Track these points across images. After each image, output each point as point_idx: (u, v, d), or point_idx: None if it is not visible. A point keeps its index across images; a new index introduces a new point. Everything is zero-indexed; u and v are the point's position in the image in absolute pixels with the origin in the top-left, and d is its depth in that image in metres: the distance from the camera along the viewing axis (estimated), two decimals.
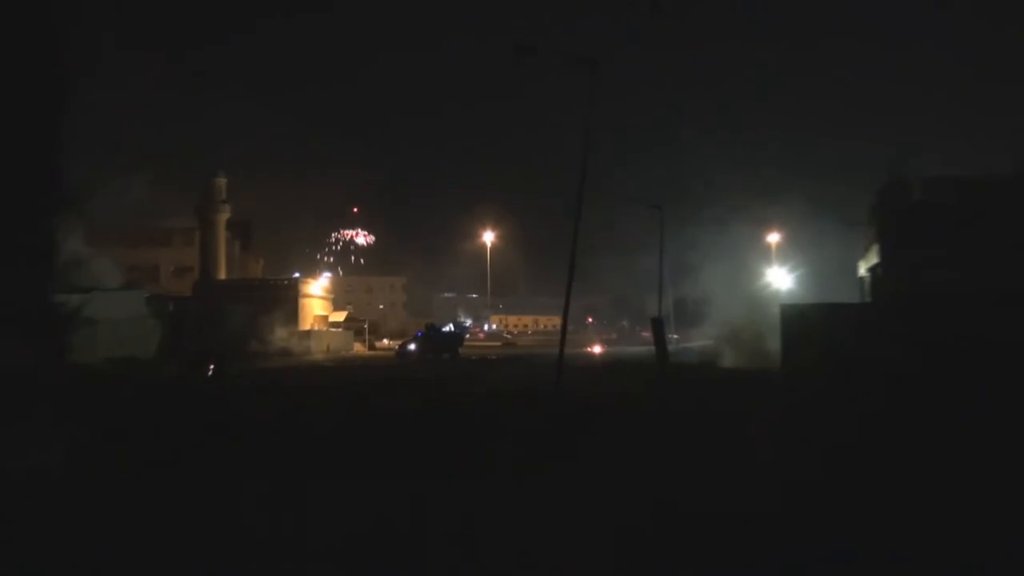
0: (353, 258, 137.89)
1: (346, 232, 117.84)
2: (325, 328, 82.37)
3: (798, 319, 26.67)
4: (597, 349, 69.95)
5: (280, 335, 72.41)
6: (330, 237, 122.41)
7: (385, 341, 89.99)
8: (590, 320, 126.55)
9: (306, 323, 79.73)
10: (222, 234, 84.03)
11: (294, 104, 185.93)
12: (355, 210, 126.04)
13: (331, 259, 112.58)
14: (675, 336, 64.31)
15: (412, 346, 57.45)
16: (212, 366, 36.61)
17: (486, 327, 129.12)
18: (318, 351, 73.03)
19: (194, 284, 79.43)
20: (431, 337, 58.24)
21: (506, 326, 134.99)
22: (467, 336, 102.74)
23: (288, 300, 77.76)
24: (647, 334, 47.24)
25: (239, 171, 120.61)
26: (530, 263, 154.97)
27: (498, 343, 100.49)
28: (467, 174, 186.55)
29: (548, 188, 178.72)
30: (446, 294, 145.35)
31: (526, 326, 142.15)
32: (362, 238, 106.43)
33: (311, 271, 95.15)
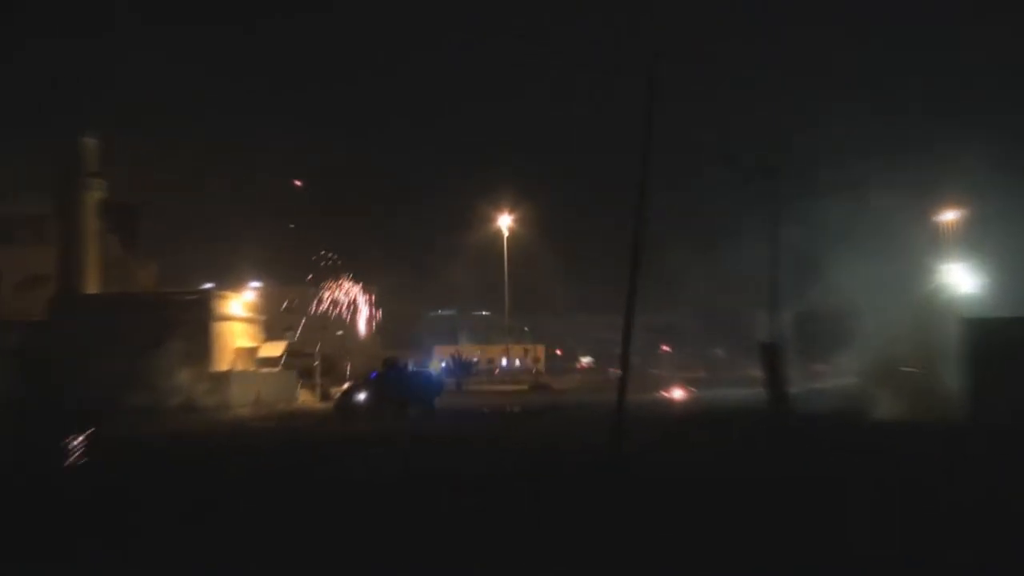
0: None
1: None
2: (252, 368, 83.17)
3: (996, 342, 25.95)
4: (678, 394, 70.37)
5: (182, 379, 73.17)
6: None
7: (346, 386, 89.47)
8: (665, 349, 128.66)
9: (223, 360, 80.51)
10: (92, 225, 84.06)
11: (220, 44, 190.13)
12: (297, 184, 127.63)
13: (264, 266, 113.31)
14: (817, 369, 64.39)
15: (361, 395, 57.56)
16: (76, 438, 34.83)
17: (504, 363, 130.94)
18: (241, 402, 73.37)
19: (50, 301, 79.86)
20: (389, 382, 57.98)
21: (535, 360, 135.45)
22: (470, 375, 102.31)
23: (195, 324, 78.37)
24: (754, 373, 47.61)
25: (123, 133, 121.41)
26: (568, 267, 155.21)
27: (523, 386, 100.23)
28: (475, 150, 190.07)
29: (591, 161, 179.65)
30: (441, 311, 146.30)
31: (562, 360, 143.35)
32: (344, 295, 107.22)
33: (231, 281, 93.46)
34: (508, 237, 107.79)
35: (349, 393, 58.68)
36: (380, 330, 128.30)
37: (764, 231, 45.86)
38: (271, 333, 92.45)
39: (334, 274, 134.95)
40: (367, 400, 56.47)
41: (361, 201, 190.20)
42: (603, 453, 26.40)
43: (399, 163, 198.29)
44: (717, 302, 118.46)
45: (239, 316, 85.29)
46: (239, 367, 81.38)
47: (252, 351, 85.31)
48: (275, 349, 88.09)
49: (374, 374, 60.83)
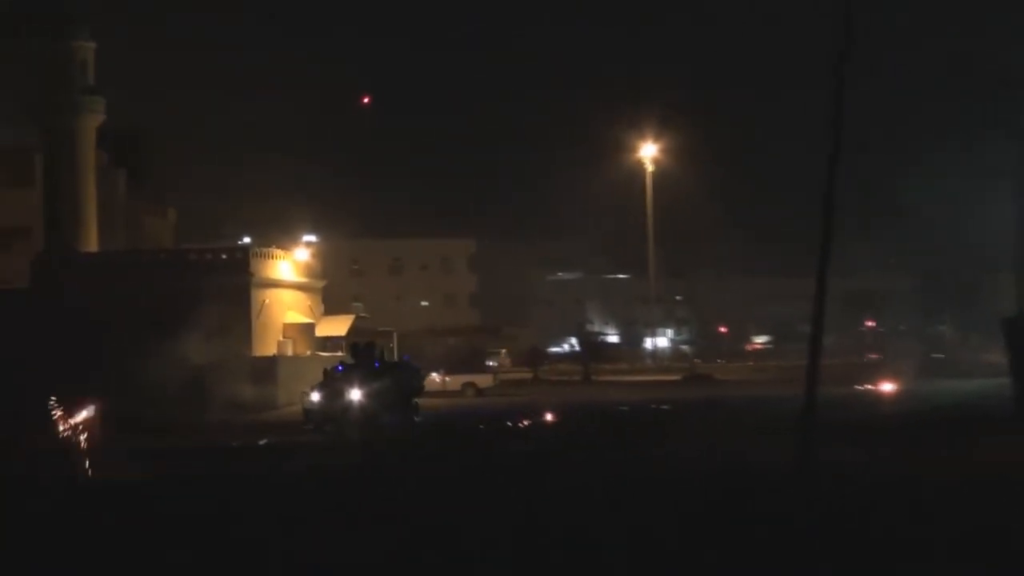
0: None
1: None
2: (308, 352, 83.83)
3: None
4: (888, 387, 71.22)
5: (209, 367, 73.80)
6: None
7: (435, 376, 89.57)
8: (870, 324, 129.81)
9: (267, 340, 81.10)
10: (89, 159, 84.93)
11: None
12: (366, 100, 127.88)
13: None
14: None
15: (314, 396, 58.15)
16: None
17: (649, 342, 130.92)
18: (292, 399, 72.37)
19: (34, 261, 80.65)
20: (352, 377, 58.06)
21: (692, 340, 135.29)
22: (601, 360, 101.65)
23: (228, 292, 79.00)
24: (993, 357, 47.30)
25: (130, 35, 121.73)
26: (736, 216, 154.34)
27: (674, 375, 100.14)
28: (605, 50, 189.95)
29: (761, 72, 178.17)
30: (561, 274, 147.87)
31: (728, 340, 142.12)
32: None
33: (276, 235, 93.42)
34: (652, 172, 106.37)
35: (313, 394, 58.80)
36: (474, 299, 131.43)
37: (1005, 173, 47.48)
38: (333, 305, 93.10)
39: (415, 225, 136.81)
40: (321, 403, 57.22)
41: (455, 128, 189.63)
42: (779, 476, 26.75)
43: (508, 77, 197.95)
44: (941, 263, 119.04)
45: (289, 281, 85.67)
46: (290, 351, 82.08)
47: (307, 329, 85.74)
48: (338, 326, 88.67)
49: (340, 367, 62.02)
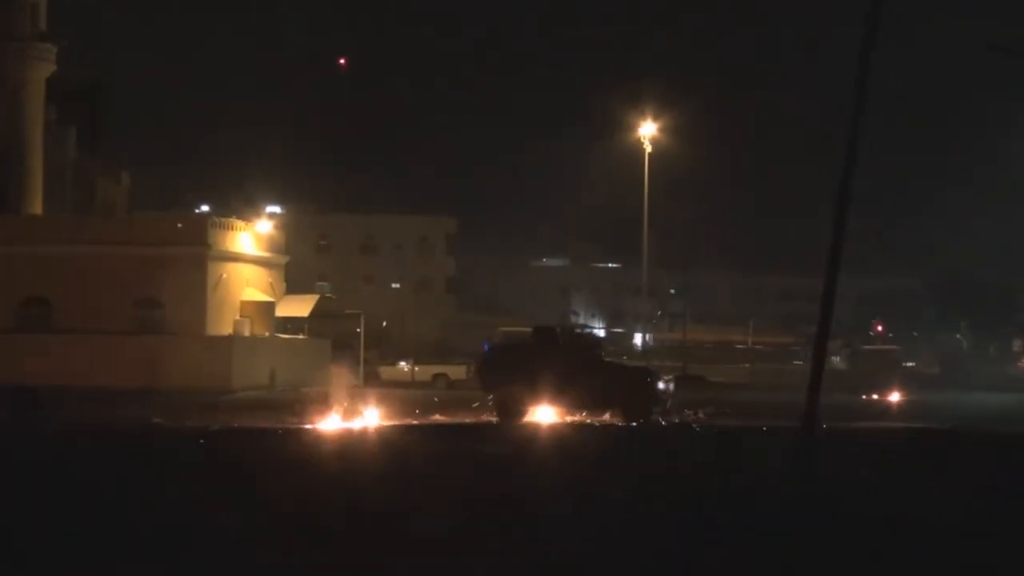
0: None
1: None
2: (266, 332, 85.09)
3: None
4: (895, 397, 72.99)
5: (159, 345, 75.30)
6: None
7: (403, 365, 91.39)
8: (879, 328, 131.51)
9: (223, 319, 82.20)
10: (36, 114, 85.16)
11: None
12: (342, 61, 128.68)
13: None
14: None
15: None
16: None
17: (638, 340, 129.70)
18: (247, 383, 75.23)
19: None
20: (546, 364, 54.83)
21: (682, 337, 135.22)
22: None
23: (183, 264, 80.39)
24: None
25: None
26: (740, 203, 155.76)
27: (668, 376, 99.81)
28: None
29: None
30: (548, 261, 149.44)
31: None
32: None
33: (237, 205, 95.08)
34: (651, 154, 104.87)
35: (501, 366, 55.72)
36: (452, 284, 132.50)
37: None
38: (296, 283, 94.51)
39: (391, 201, 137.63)
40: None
41: (433, 100, 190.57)
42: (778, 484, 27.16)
43: (493, 41, 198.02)
44: (961, 265, 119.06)
45: (249, 255, 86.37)
46: (247, 331, 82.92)
47: (267, 308, 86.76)
48: (301, 306, 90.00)
49: (487, 346, 61.65)
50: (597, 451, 40.02)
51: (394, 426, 49.51)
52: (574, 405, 53.33)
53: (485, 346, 63.66)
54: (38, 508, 25.20)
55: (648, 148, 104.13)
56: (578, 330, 63.17)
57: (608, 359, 61.99)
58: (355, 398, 60.06)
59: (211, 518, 24.42)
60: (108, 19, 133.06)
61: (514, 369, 54.55)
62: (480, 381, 56.95)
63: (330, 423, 49.64)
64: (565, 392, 52.64)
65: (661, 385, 54.64)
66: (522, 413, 52.17)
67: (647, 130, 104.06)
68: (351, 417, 51.33)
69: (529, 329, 63.66)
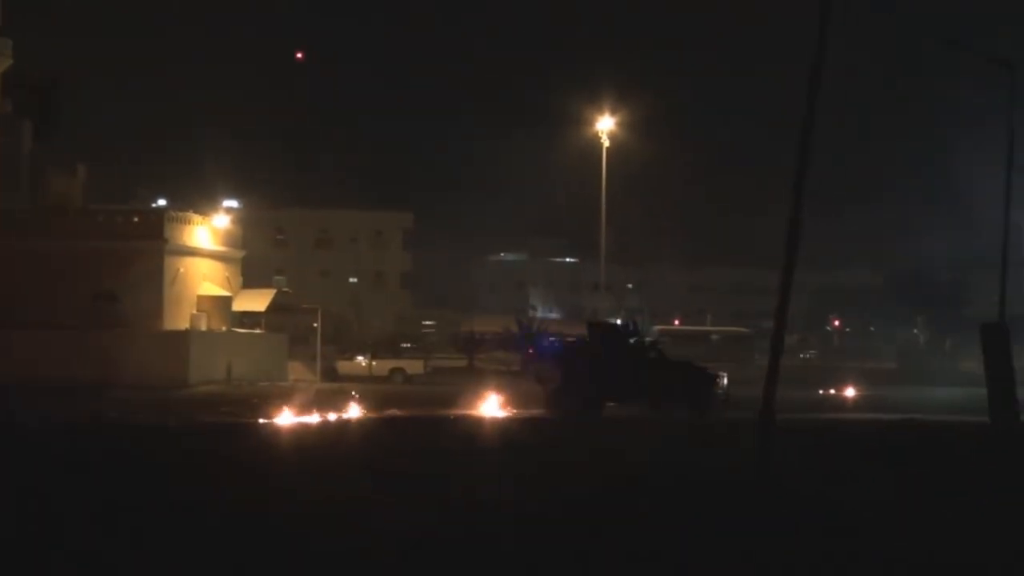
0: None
1: None
2: (223, 327, 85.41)
3: None
4: (851, 392, 73.68)
5: (114, 341, 75.30)
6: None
7: (360, 359, 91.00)
8: (836, 324, 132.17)
9: (180, 313, 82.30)
10: None
11: None
12: (299, 55, 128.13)
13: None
14: None
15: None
16: None
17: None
18: (204, 377, 75.71)
19: None
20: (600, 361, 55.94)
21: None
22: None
23: (139, 259, 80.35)
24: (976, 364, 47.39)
25: None
26: (697, 198, 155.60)
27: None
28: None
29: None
30: (506, 256, 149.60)
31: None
32: None
33: (194, 199, 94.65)
34: (608, 149, 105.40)
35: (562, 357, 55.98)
36: (407, 278, 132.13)
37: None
38: (253, 278, 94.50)
39: (347, 196, 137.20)
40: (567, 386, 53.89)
41: (388, 92, 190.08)
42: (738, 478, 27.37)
43: (446, 38, 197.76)
44: (919, 261, 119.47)
45: (206, 250, 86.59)
46: (204, 325, 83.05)
47: (224, 302, 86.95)
48: (257, 301, 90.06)
49: (548, 343, 61.66)
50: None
51: (368, 419, 49.80)
52: (639, 399, 54.42)
53: (543, 342, 64.66)
54: None
55: (606, 143, 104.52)
56: (630, 326, 63.16)
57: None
58: (314, 393, 60.66)
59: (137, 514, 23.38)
60: (63, 12, 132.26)
61: (578, 364, 54.98)
62: (536, 375, 56.45)
63: (284, 418, 49.18)
64: (632, 387, 53.86)
65: (725, 381, 56.87)
66: (594, 406, 53.02)
67: (604, 125, 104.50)
68: (306, 412, 51.26)
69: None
